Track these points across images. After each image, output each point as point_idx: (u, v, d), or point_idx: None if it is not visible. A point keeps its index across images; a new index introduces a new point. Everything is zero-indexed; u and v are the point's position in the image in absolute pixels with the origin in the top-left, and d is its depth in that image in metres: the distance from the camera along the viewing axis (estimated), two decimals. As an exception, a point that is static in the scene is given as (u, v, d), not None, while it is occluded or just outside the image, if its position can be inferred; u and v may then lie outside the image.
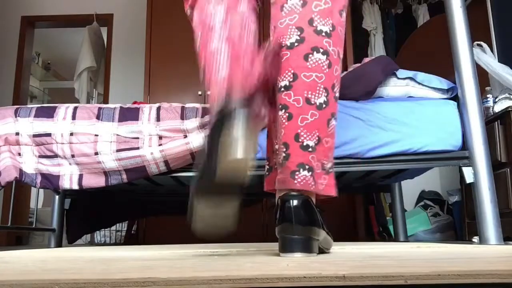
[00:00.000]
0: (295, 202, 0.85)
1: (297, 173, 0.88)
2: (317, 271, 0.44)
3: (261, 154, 1.69)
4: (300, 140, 0.90)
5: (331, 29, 0.95)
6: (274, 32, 1.00)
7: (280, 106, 0.93)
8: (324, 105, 0.91)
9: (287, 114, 0.92)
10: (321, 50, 0.93)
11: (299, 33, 0.94)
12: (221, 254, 1.03)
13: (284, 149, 0.91)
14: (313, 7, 0.95)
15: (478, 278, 0.41)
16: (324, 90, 0.92)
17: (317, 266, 0.53)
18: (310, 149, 0.90)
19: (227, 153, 0.76)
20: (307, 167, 0.89)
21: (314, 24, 0.94)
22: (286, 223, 0.84)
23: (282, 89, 0.93)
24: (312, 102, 0.91)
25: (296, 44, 0.94)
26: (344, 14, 0.99)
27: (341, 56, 0.97)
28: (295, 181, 0.88)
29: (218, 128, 0.78)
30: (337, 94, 0.95)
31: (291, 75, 0.93)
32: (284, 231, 0.85)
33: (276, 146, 0.97)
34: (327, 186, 0.92)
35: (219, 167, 0.77)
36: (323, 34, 0.94)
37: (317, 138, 0.90)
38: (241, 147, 0.76)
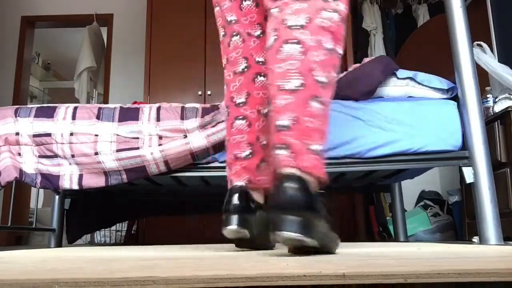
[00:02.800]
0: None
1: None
2: (317, 270, 0.44)
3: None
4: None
5: (306, 21, 0.96)
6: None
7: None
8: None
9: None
10: (294, 41, 0.95)
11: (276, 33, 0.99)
12: (221, 253, 1.03)
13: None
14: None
15: (478, 276, 0.41)
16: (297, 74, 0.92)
17: (317, 265, 0.53)
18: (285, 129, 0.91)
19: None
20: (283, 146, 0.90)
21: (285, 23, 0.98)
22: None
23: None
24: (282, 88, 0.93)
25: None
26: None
27: (324, 43, 0.96)
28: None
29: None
30: (321, 79, 0.93)
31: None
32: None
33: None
34: (312, 165, 0.87)
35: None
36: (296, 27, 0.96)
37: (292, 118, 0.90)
38: None
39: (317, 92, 0.91)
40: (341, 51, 0.98)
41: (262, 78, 1.22)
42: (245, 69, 1.23)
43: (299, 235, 0.78)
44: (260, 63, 1.24)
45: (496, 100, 2.64)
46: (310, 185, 0.85)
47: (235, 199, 1.14)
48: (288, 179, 0.83)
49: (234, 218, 1.11)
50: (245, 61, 1.24)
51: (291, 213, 0.80)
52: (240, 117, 1.20)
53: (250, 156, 1.18)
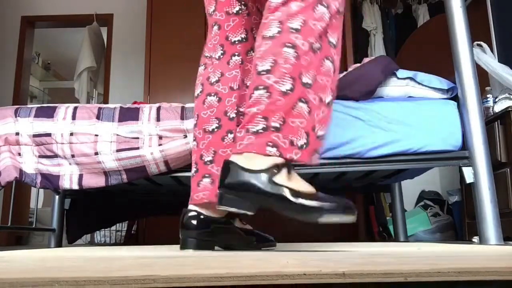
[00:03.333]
0: None
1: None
2: (317, 268, 0.44)
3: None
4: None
5: (301, 24, 1.02)
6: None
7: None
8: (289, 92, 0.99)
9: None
10: (289, 45, 1.01)
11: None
12: (221, 252, 1.03)
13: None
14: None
15: (478, 275, 0.41)
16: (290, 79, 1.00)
17: (317, 263, 0.53)
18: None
19: None
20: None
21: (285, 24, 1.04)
22: None
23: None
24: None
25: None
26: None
27: (316, 45, 1.02)
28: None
29: None
30: (306, 80, 1.00)
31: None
32: None
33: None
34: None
35: None
36: (293, 30, 1.02)
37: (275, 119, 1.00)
38: None
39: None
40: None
41: (211, 98, 1.26)
42: (200, 93, 1.31)
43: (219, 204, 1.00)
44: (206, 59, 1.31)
45: (496, 100, 2.64)
46: (241, 164, 0.97)
47: (191, 222, 1.18)
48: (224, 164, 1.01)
49: (191, 242, 1.17)
50: (201, 86, 1.32)
51: (221, 188, 1.00)
52: (194, 138, 1.30)
53: (194, 174, 1.25)
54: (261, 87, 0.99)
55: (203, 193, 1.20)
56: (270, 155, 0.96)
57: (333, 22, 1.05)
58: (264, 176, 0.95)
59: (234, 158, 0.99)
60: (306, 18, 1.02)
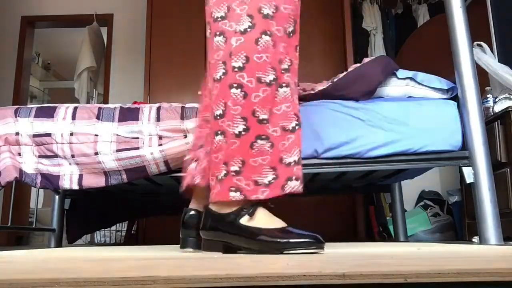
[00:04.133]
0: None
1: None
2: (317, 269, 0.44)
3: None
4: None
5: (244, 61, 1.00)
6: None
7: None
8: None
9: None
10: (235, 85, 1.00)
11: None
12: (221, 253, 1.03)
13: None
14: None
15: (478, 276, 0.41)
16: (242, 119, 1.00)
17: (317, 264, 0.53)
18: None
19: None
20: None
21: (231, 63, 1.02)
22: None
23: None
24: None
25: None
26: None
27: (267, 78, 1.00)
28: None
29: None
30: (262, 116, 1.00)
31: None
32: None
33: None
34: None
35: None
36: (236, 69, 1.01)
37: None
38: None
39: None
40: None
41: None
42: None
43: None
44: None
45: (496, 100, 2.64)
46: (212, 211, 1.04)
47: (189, 221, 1.20)
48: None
49: (192, 241, 1.19)
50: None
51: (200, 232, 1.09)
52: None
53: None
54: (219, 132, 1.01)
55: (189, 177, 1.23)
56: (234, 200, 0.99)
57: (282, 47, 1.02)
58: (230, 218, 1.00)
59: (210, 206, 1.06)
60: (248, 54, 0.99)
